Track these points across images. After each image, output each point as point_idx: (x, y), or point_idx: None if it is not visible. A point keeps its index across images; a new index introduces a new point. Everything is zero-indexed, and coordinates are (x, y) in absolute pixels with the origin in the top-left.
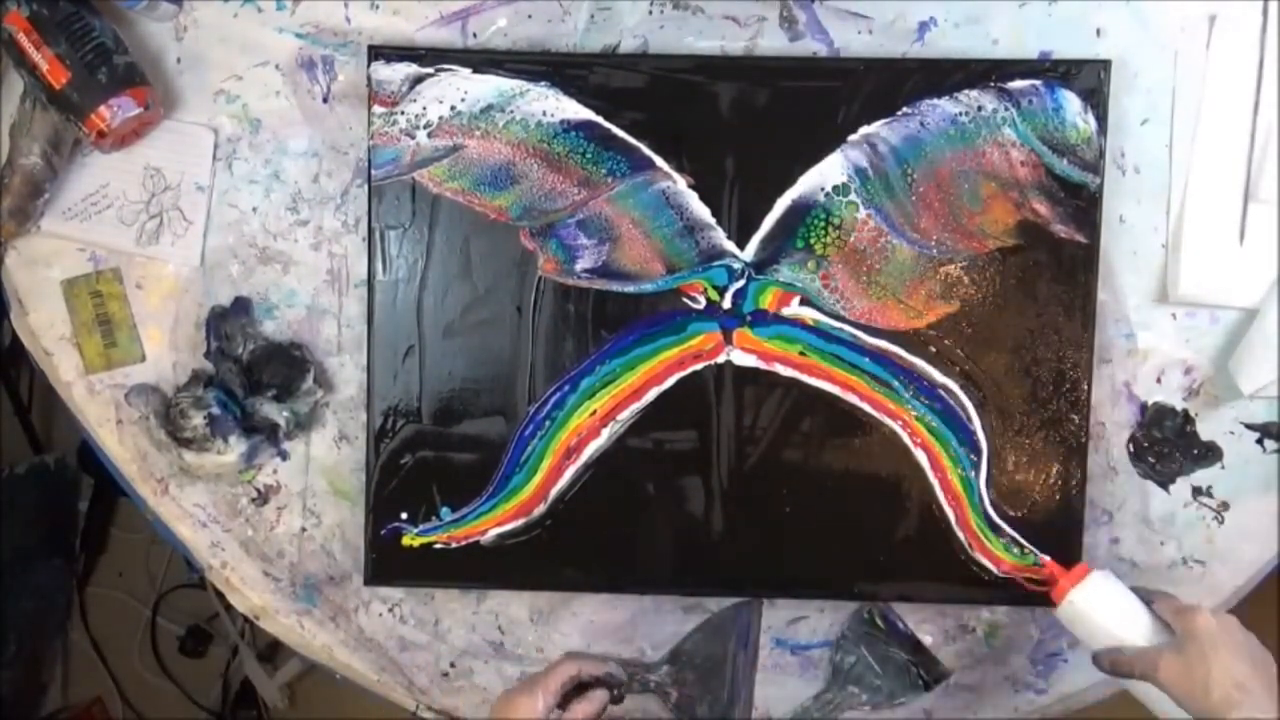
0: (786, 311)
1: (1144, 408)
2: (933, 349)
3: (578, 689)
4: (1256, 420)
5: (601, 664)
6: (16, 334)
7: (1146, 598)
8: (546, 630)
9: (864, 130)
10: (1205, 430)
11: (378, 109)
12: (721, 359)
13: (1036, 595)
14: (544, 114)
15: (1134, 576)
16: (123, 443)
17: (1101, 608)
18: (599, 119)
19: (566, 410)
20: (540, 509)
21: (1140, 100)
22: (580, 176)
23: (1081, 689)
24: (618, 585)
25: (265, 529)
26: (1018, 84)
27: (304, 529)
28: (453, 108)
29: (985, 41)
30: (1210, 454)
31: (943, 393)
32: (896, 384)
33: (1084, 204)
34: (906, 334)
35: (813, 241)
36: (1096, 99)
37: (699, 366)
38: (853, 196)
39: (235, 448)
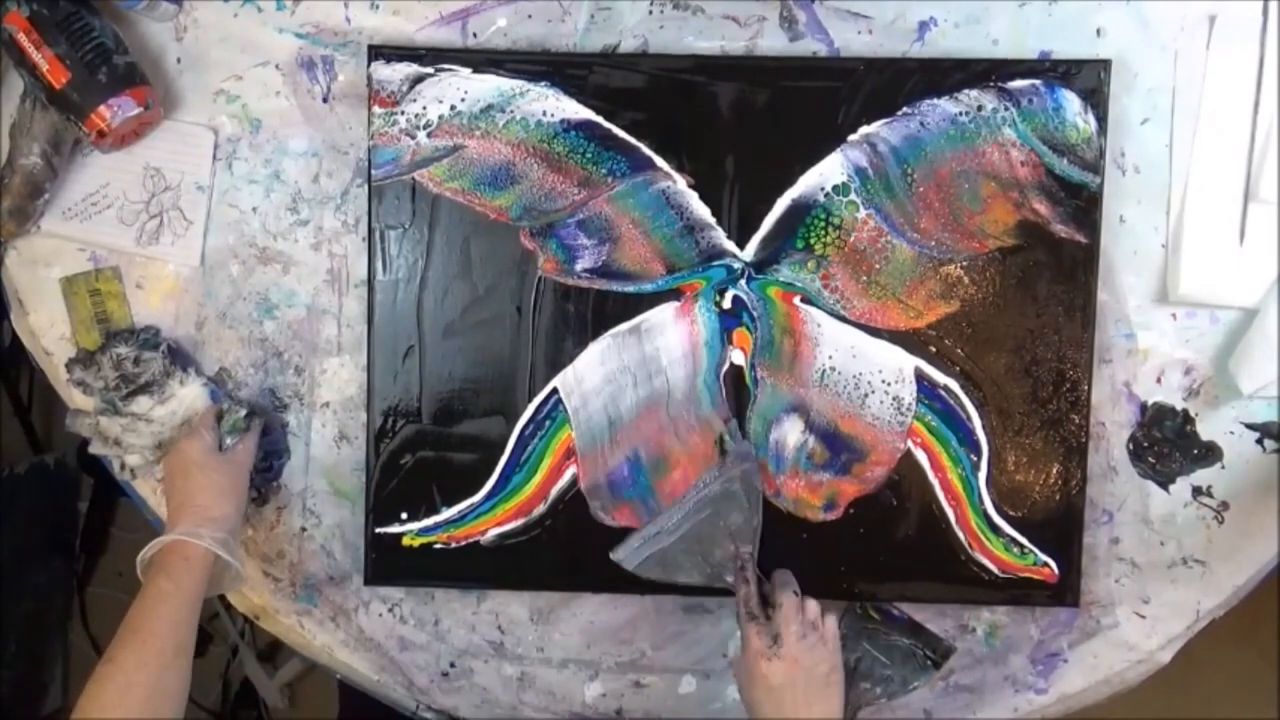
0: None
1: (1144, 408)
2: (933, 349)
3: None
4: (1256, 420)
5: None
6: (16, 334)
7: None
8: (546, 630)
9: (864, 130)
10: (1205, 430)
11: (378, 109)
12: None
13: (1036, 595)
14: (544, 114)
15: (1134, 576)
16: None
17: None
18: (599, 119)
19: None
20: (540, 509)
21: (1140, 100)
22: (580, 176)
23: (1081, 689)
24: (618, 585)
25: (265, 529)
26: (1018, 84)
27: (304, 529)
28: (453, 108)
29: (985, 41)
30: (1210, 454)
31: (943, 393)
32: None
33: (1084, 204)
34: (906, 334)
35: (813, 241)
36: (1096, 99)
37: None
38: (853, 196)
39: (196, 379)
